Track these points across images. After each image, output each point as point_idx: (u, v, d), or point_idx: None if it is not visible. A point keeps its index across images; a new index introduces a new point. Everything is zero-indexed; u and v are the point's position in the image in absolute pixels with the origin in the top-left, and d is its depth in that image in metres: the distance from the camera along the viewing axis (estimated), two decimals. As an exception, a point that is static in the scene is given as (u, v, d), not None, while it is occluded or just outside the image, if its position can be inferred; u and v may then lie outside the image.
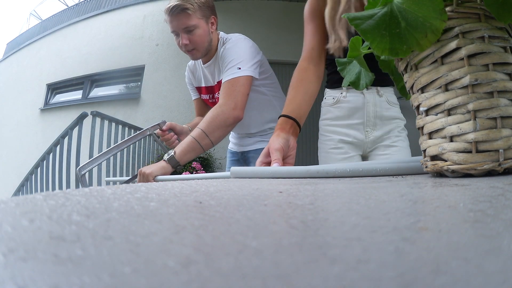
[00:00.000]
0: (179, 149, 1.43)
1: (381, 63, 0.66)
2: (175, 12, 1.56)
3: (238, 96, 1.57)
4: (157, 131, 1.65)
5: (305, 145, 5.14)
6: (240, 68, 1.59)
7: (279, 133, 1.04)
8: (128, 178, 1.61)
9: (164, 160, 1.40)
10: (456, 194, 0.36)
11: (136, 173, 1.42)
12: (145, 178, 1.34)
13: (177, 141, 1.69)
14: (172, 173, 1.42)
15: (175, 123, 1.71)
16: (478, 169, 0.52)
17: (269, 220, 0.25)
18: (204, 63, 1.77)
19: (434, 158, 0.58)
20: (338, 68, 0.73)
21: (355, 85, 0.69)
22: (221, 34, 1.74)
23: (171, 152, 1.42)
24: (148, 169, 1.36)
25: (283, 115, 1.11)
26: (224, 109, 1.53)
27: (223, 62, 1.65)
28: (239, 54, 1.63)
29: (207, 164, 5.49)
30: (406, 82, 0.63)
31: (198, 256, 0.16)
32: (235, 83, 1.58)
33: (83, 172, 1.40)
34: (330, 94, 1.38)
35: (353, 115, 1.31)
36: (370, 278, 0.13)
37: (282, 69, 5.87)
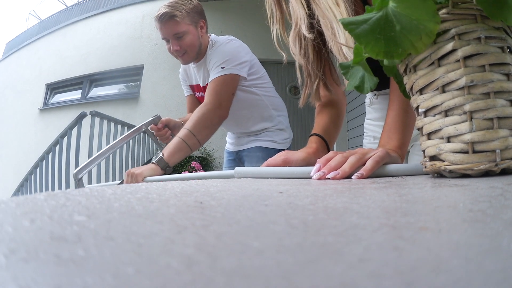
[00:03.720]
0: (167, 150, 1.43)
1: (385, 67, 0.66)
2: (163, 20, 1.60)
3: (222, 95, 1.59)
4: (151, 126, 1.66)
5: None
6: (224, 68, 1.62)
7: (302, 150, 1.01)
8: (116, 182, 1.60)
9: (153, 162, 1.40)
10: (456, 194, 0.36)
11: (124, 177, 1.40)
12: (134, 179, 1.32)
13: (171, 136, 1.70)
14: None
15: (169, 118, 1.74)
16: (475, 169, 0.52)
17: (270, 220, 0.25)
18: (194, 64, 1.80)
19: (432, 158, 0.58)
20: (341, 72, 0.72)
21: (359, 89, 0.69)
22: (212, 36, 1.77)
23: (159, 154, 1.42)
24: (137, 170, 1.35)
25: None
26: (209, 108, 1.56)
27: (209, 64, 1.68)
28: (224, 55, 1.66)
29: (206, 164, 5.49)
30: (406, 84, 0.63)
31: (200, 256, 0.16)
32: (219, 82, 1.61)
33: (80, 176, 1.40)
34: (368, 95, 1.37)
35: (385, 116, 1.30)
36: (372, 277, 0.13)
37: (281, 69, 5.88)
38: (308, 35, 0.94)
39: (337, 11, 0.84)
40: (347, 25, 0.57)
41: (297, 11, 0.93)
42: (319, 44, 1.02)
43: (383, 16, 0.55)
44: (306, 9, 0.92)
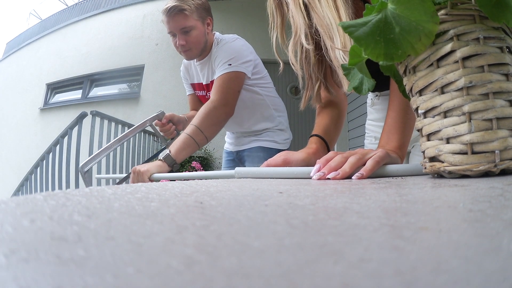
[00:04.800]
0: (174, 147, 1.41)
1: (381, 67, 0.66)
2: (172, 13, 1.59)
3: (229, 93, 1.60)
4: (156, 122, 1.67)
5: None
6: (230, 65, 1.62)
7: (303, 150, 1.01)
8: (124, 175, 1.59)
9: (160, 159, 1.38)
10: (456, 195, 0.36)
11: (130, 172, 1.38)
12: (140, 177, 1.29)
13: (175, 131, 1.71)
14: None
15: (173, 114, 1.74)
16: (474, 170, 0.52)
17: (270, 220, 0.25)
18: (197, 61, 1.80)
19: (432, 159, 0.58)
20: (343, 73, 0.73)
21: (357, 90, 0.70)
22: (216, 34, 1.77)
23: (167, 151, 1.40)
24: (143, 167, 1.32)
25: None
26: (216, 105, 1.56)
27: (215, 61, 1.68)
28: (230, 52, 1.66)
29: (206, 164, 5.49)
30: (405, 85, 0.63)
31: (201, 256, 0.16)
32: (226, 79, 1.61)
33: (85, 169, 1.39)
34: (369, 96, 1.37)
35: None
36: (372, 277, 0.13)
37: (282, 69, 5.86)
38: (307, 46, 0.94)
39: (336, 16, 0.84)
40: (346, 28, 0.57)
41: (297, 19, 0.93)
42: (320, 48, 1.02)
43: (382, 18, 0.55)
44: (305, 17, 0.91)
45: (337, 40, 0.84)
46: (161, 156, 1.39)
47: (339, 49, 0.84)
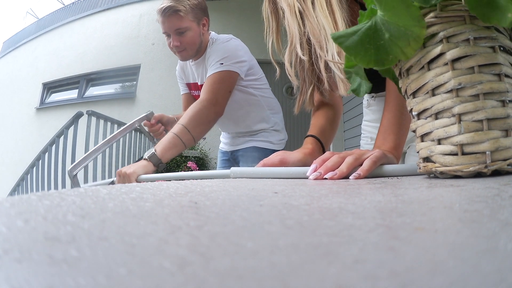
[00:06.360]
0: (160, 146, 1.37)
1: (380, 70, 0.66)
2: (167, 14, 1.57)
3: (219, 92, 1.57)
4: (145, 122, 1.65)
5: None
6: (222, 64, 1.60)
7: (299, 150, 1.00)
8: (110, 180, 1.54)
9: (145, 158, 1.34)
10: (452, 195, 0.36)
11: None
12: (127, 179, 1.25)
13: (164, 132, 1.69)
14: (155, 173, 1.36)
15: (162, 114, 1.72)
16: (464, 171, 0.52)
17: (264, 220, 0.25)
18: (192, 61, 1.79)
19: (425, 160, 0.59)
20: (345, 76, 0.74)
21: (355, 92, 0.71)
22: (212, 34, 1.75)
23: (152, 150, 1.36)
24: (129, 169, 1.28)
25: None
26: (205, 104, 1.53)
27: (208, 61, 1.67)
28: (223, 52, 1.64)
29: (202, 164, 5.49)
30: (401, 87, 0.63)
31: (194, 257, 0.16)
32: (217, 78, 1.59)
33: (74, 173, 1.37)
34: (365, 97, 1.37)
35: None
36: (367, 278, 0.13)
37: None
38: (302, 57, 0.94)
39: (331, 21, 0.84)
40: (336, 39, 0.58)
41: (292, 28, 0.93)
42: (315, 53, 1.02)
43: (372, 26, 0.56)
44: (300, 25, 0.91)
45: (330, 47, 0.84)
46: (146, 155, 1.35)
47: (329, 61, 0.84)
